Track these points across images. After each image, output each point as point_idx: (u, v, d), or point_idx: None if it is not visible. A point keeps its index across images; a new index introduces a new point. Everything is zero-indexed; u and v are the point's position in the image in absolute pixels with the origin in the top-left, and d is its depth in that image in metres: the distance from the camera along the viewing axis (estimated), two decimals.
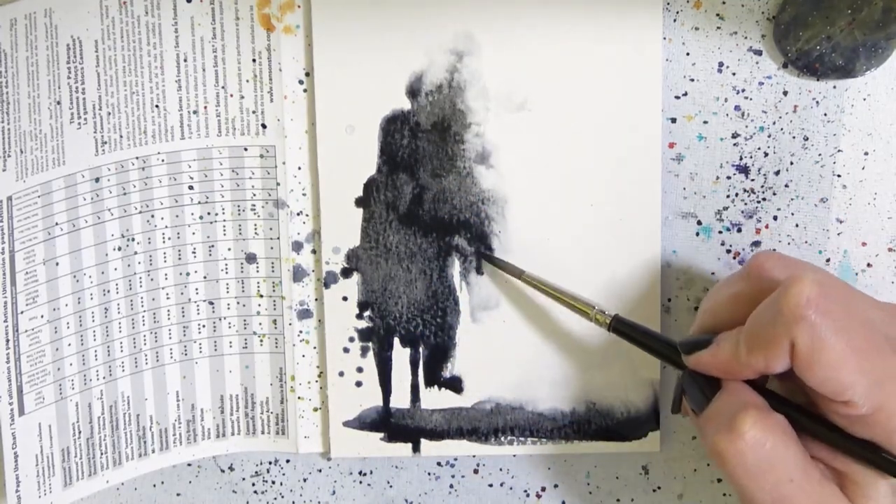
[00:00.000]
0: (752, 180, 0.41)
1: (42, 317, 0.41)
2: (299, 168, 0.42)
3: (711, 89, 0.40)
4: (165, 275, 0.42)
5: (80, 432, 0.42)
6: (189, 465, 0.44)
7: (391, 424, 0.43)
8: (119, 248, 0.42)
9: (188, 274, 0.42)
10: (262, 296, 0.43)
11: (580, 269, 0.41)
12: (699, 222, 0.41)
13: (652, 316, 0.41)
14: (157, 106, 0.41)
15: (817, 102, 0.40)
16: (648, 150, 0.40)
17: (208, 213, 0.42)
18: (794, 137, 0.40)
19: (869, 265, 0.41)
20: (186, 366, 0.43)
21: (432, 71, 0.41)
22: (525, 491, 0.44)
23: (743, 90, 0.40)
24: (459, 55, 0.40)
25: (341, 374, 0.42)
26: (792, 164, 0.41)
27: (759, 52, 0.40)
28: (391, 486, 0.44)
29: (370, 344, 0.42)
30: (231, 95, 0.41)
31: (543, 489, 0.44)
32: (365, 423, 0.43)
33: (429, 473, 0.44)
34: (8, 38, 0.39)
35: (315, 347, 0.43)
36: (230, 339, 0.43)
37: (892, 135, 0.40)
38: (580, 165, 0.41)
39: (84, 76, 0.40)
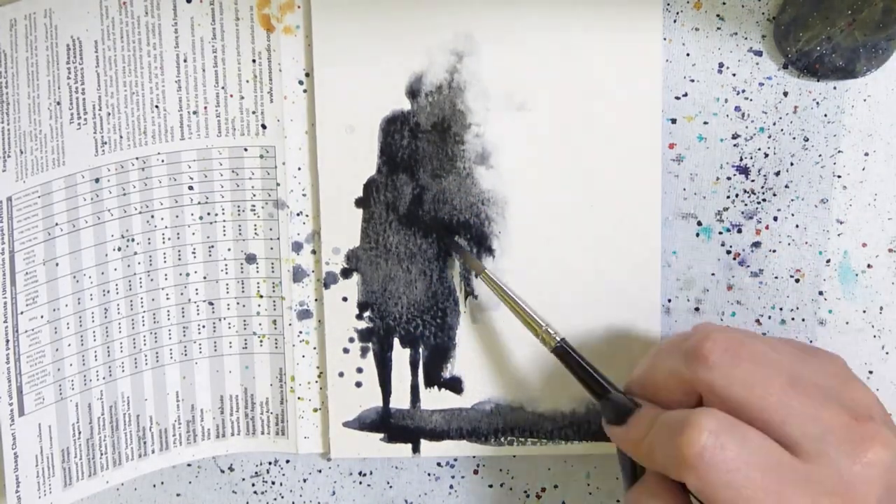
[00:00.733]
0: (753, 181, 0.41)
1: (42, 317, 0.41)
2: (299, 168, 0.42)
3: (712, 90, 0.40)
4: (165, 275, 0.42)
5: (79, 433, 0.42)
6: (189, 465, 0.44)
7: (391, 425, 0.43)
8: (119, 249, 0.42)
9: (188, 274, 0.42)
10: (261, 296, 0.43)
11: (580, 269, 0.41)
12: (699, 223, 0.41)
13: (652, 316, 0.41)
14: (157, 106, 0.41)
15: (817, 103, 0.40)
16: (648, 150, 0.40)
17: (208, 214, 0.42)
18: (794, 138, 0.40)
19: (869, 266, 0.41)
20: (186, 366, 0.43)
21: (432, 71, 0.40)
22: (525, 491, 0.44)
23: (743, 91, 0.40)
24: (459, 55, 0.40)
25: (341, 374, 0.42)
26: (792, 164, 0.41)
27: (759, 53, 0.40)
28: (391, 487, 0.44)
29: (370, 344, 0.42)
30: (231, 96, 0.41)
31: (543, 489, 0.44)
32: (365, 423, 0.43)
33: (429, 474, 0.44)
34: (8, 39, 0.39)
35: (315, 348, 0.43)
36: (230, 340, 0.43)
37: (893, 135, 0.40)
38: (580, 166, 0.41)
39: (84, 76, 0.40)
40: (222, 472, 0.44)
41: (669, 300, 0.42)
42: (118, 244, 0.42)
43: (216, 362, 0.43)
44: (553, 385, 0.42)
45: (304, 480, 0.44)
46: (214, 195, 0.42)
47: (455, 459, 0.44)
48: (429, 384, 0.42)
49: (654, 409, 0.35)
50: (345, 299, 0.42)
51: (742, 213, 0.41)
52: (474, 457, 0.43)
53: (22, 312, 0.40)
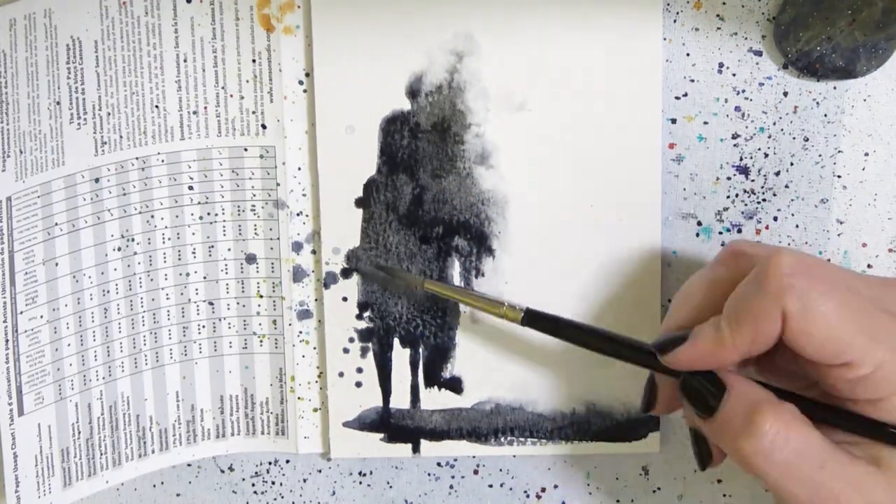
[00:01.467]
0: (753, 181, 0.41)
1: (41, 317, 0.41)
2: (299, 168, 0.42)
3: (711, 90, 0.40)
4: (165, 275, 0.42)
5: (79, 433, 0.42)
6: (189, 465, 0.44)
7: (391, 425, 0.43)
8: (119, 249, 0.42)
9: (188, 274, 0.42)
10: (261, 296, 0.43)
11: (580, 269, 0.41)
12: (699, 223, 0.41)
13: (652, 316, 0.41)
14: (157, 106, 0.41)
15: (817, 103, 0.40)
16: (648, 150, 0.40)
17: (208, 214, 0.42)
18: (794, 138, 0.40)
19: (869, 266, 0.41)
20: (186, 366, 0.43)
21: (432, 71, 0.40)
22: (525, 491, 0.44)
23: (743, 91, 0.40)
24: (459, 55, 0.40)
25: (341, 374, 0.42)
26: (792, 164, 0.41)
27: (759, 53, 0.40)
28: (391, 487, 0.44)
29: (370, 344, 0.42)
30: (231, 96, 0.41)
31: (543, 489, 0.44)
32: (365, 423, 0.43)
33: (429, 474, 0.44)
34: (7, 39, 0.39)
35: (315, 348, 0.43)
36: (230, 340, 0.43)
37: (893, 136, 0.40)
38: (580, 166, 0.41)
39: (84, 76, 0.40)
40: (222, 472, 0.44)
41: (669, 300, 0.42)
42: (118, 244, 0.42)
43: (216, 362, 0.43)
44: (553, 385, 0.42)
45: (304, 480, 0.44)
46: (214, 195, 0.42)
47: (455, 459, 0.44)
48: (429, 384, 0.42)
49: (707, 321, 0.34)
50: (345, 299, 0.42)
51: (742, 213, 0.41)
52: (474, 457, 0.43)
53: (21, 312, 0.40)
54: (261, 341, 0.43)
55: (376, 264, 0.41)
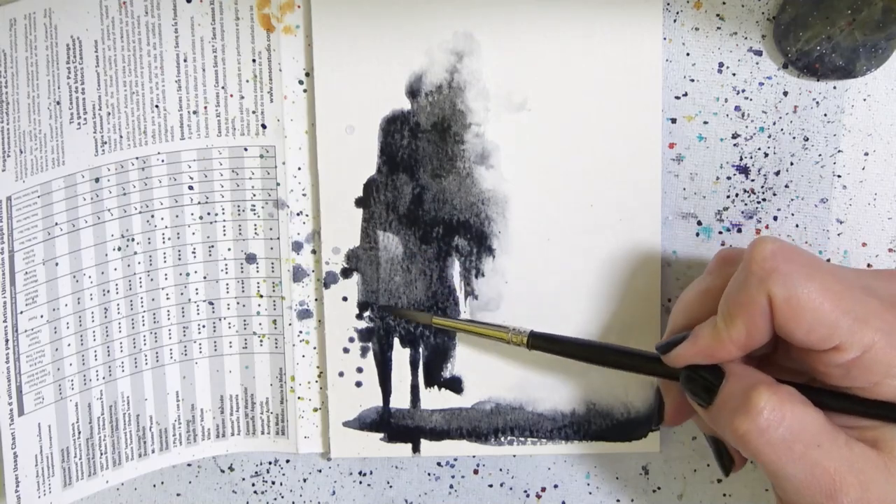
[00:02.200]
0: (753, 181, 0.41)
1: (41, 317, 0.41)
2: (299, 168, 0.42)
3: (711, 90, 0.40)
4: (165, 275, 0.42)
5: (79, 432, 0.42)
6: (189, 465, 0.44)
7: (391, 425, 0.43)
8: (119, 249, 0.42)
9: (188, 274, 0.42)
10: (262, 296, 0.43)
11: (580, 269, 0.41)
12: (699, 222, 0.41)
13: (652, 316, 0.41)
14: (157, 106, 0.41)
15: (817, 103, 0.40)
16: (648, 150, 0.40)
17: (208, 214, 0.42)
18: (794, 138, 0.40)
19: (869, 266, 0.41)
20: (186, 366, 0.43)
21: (432, 71, 0.40)
22: (525, 491, 0.44)
23: (743, 90, 0.40)
24: (459, 55, 0.40)
25: (341, 374, 0.42)
26: (792, 164, 0.41)
27: (759, 53, 0.40)
28: (391, 487, 0.44)
29: (370, 344, 0.42)
30: (231, 95, 0.41)
31: (543, 489, 0.44)
32: (365, 423, 0.43)
33: (429, 474, 0.44)
34: (7, 38, 0.39)
35: (315, 347, 0.43)
36: (230, 340, 0.43)
37: (893, 135, 0.40)
38: (580, 165, 0.41)
39: (84, 76, 0.40)
40: (222, 472, 0.44)
41: (669, 300, 0.42)
42: (118, 244, 0.42)
43: (216, 362, 0.43)
44: (553, 385, 0.42)
45: (304, 480, 0.44)
46: (214, 195, 0.42)
47: (455, 459, 0.44)
48: (429, 384, 0.42)
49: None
50: (345, 299, 0.42)
51: (742, 212, 0.41)
52: (474, 457, 0.43)
53: (21, 312, 0.40)
54: (261, 341, 0.43)
55: (385, 308, 0.42)
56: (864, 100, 0.40)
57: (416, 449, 0.43)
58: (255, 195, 0.42)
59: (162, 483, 0.44)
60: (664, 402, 0.38)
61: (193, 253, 0.42)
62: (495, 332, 0.40)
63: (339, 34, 0.40)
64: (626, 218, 0.41)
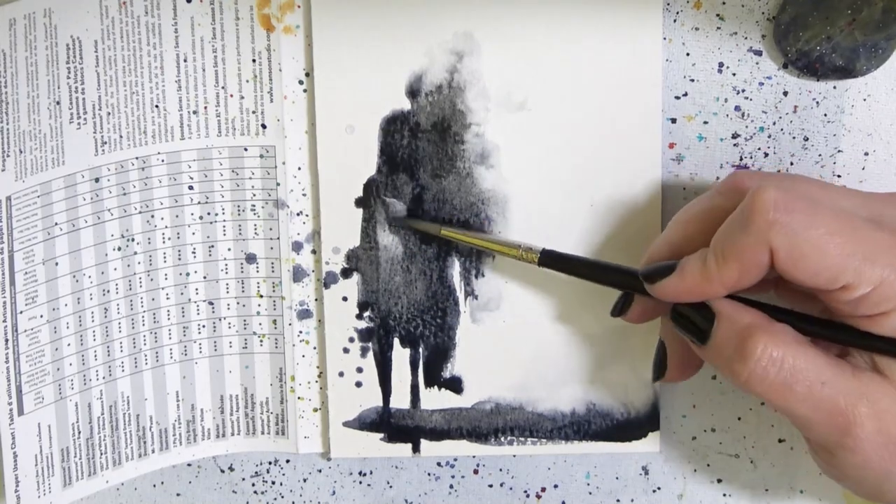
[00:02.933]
0: None
1: (41, 317, 0.41)
2: (299, 168, 0.42)
3: (711, 90, 0.40)
4: (165, 275, 0.42)
5: (79, 432, 0.42)
6: (189, 465, 0.44)
7: (391, 425, 0.43)
8: (119, 249, 0.42)
9: (188, 274, 0.42)
10: (262, 296, 0.43)
11: None
12: None
13: None
14: (157, 106, 0.41)
15: (817, 103, 0.40)
16: (648, 150, 0.40)
17: (208, 214, 0.42)
18: (794, 138, 0.40)
19: None
20: (186, 366, 0.43)
21: (432, 71, 0.40)
22: (525, 491, 0.44)
23: (743, 90, 0.40)
24: (459, 55, 0.40)
25: (341, 374, 0.42)
26: (792, 164, 0.41)
27: (759, 53, 0.40)
28: (391, 487, 0.44)
29: (370, 344, 0.42)
30: (231, 95, 0.41)
31: (543, 489, 0.44)
32: (365, 423, 0.43)
33: (429, 474, 0.44)
34: (7, 38, 0.39)
35: (315, 347, 0.43)
36: (230, 340, 0.43)
37: (893, 135, 0.40)
38: (580, 165, 0.41)
39: (84, 76, 0.40)
40: (222, 472, 0.44)
41: None
42: (118, 244, 0.42)
43: (216, 362, 0.43)
44: (553, 385, 0.42)
45: (304, 480, 0.44)
46: (214, 195, 0.42)
47: (455, 459, 0.44)
48: (429, 384, 0.42)
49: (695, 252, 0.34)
50: (345, 299, 0.42)
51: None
52: (474, 457, 0.43)
53: (21, 312, 0.40)
54: (261, 341, 0.43)
55: (397, 220, 0.41)
56: (864, 100, 0.40)
57: (416, 449, 0.43)
58: (255, 195, 0.42)
59: (162, 483, 0.44)
60: (667, 354, 0.37)
61: (193, 253, 0.42)
62: (506, 249, 0.39)
63: (339, 34, 0.40)
64: (626, 218, 0.41)
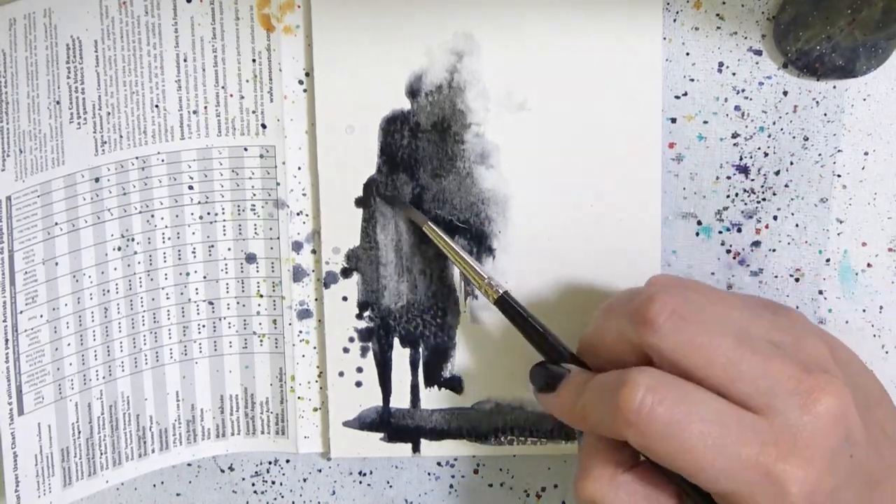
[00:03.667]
0: (752, 180, 0.41)
1: (41, 316, 0.41)
2: (299, 168, 0.42)
3: (711, 89, 0.40)
4: (165, 275, 0.42)
5: (79, 432, 0.42)
6: (189, 465, 0.44)
7: (391, 424, 0.43)
8: (119, 248, 0.42)
9: (188, 274, 0.42)
10: (262, 296, 0.43)
11: (580, 269, 0.41)
12: (699, 222, 0.41)
13: None
14: (157, 106, 0.41)
15: (817, 102, 0.40)
16: (648, 150, 0.40)
17: (208, 213, 0.42)
18: (794, 137, 0.40)
19: (869, 265, 0.41)
20: (186, 366, 0.43)
21: (432, 71, 0.40)
22: (525, 491, 0.44)
23: (743, 90, 0.40)
24: (459, 55, 0.40)
25: (341, 374, 0.42)
26: (792, 164, 0.41)
27: (759, 53, 0.40)
28: (391, 487, 0.44)
29: (370, 344, 0.42)
30: (231, 95, 0.41)
31: (543, 489, 0.44)
32: (365, 423, 0.43)
33: (429, 473, 0.44)
34: (7, 38, 0.39)
35: (315, 347, 0.43)
36: (230, 339, 0.43)
37: (893, 135, 0.40)
38: (580, 165, 0.41)
39: (84, 76, 0.40)
40: (222, 471, 0.44)
41: None
42: (118, 244, 0.42)
43: (216, 362, 0.43)
44: None
45: (304, 480, 0.44)
46: (214, 195, 0.42)
47: (455, 459, 0.43)
48: (429, 384, 0.42)
49: (586, 374, 0.35)
50: (345, 299, 0.42)
51: (742, 212, 0.41)
52: (474, 456, 0.43)
53: (21, 312, 0.40)
54: (261, 341, 0.43)
55: (388, 197, 0.41)
56: (864, 100, 0.40)
57: (416, 449, 0.43)
58: (255, 195, 0.42)
59: (162, 483, 0.44)
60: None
61: (193, 253, 0.42)
62: (473, 274, 0.39)
63: (339, 34, 0.40)
64: (626, 218, 0.41)
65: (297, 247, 0.42)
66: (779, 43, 0.39)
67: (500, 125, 0.41)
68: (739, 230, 0.41)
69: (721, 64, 0.40)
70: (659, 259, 0.41)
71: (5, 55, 0.39)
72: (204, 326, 0.43)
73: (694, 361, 0.31)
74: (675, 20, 0.40)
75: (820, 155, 0.41)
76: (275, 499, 0.44)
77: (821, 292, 0.41)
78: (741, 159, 0.41)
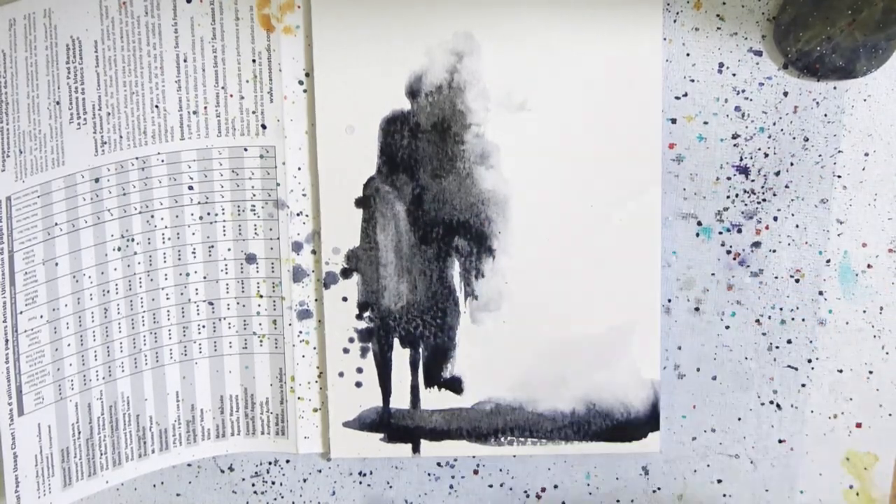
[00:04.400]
0: (753, 181, 0.41)
1: (41, 317, 0.40)
2: (299, 168, 0.42)
3: (711, 90, 0.40)
4: (165, 275, 0.42)
5: (79, 433, 0.42)
6: (189, 465, 0.44)
7: (391, 425, 0.43)
8: (119, 249, 0.42)
9: (188, 274, 0.42)
10: (261, 296, 0.43)
11: (580, 270, 0.41)
12: (699, 223, 0.41)
13: (652, 316, 0.41)
14: (157, 106, 0.41)
15: (817, 103, 0.40)
16: (648, 150, 0.40)
17: (208, 214, 0.42)
18: (794, 138, 0.40)
19: (869, 266, 0.41)
20: (186, 366, 0.43)
21: (432, 71, 0.40)
22: (525, 491, 0.44)
23: (743, 91, 0.40)
24: (459, 55, 0.40)
25: (341, 374, 0.42)
26: (792, 164, 0.41)
27: (759, 53, 0.40)
28: (391, 487, 0.44)
29: (370, 344, 0.42)
30: (231, 96, 0.41)
31: (543, 489, 0.44)
32: (365, 423, 0.43)
33: (429, 474, 0.44)
34: (7, 39, 0.39)
35: (315, 348, 0.43)
36: (230, 340, 0.43)
37: (893, 136, 0.40)
38: (580, 165, 0.41)
39: (84, 76, 0.40)
40: (222, 472, 0.44)
41: (669, 300, 0.42)
42: (118, 244, 0.42)
43: (216, 362, 0.43)
44: (553, 385, 0.42)
45: (304, 480, 0.44)
46: (214, 195, 0.42)
47: (455, 459, 0.44)
48: (429, 384, 0.42)
49: None
50: (345, 299, 0.42)
51: (742, 213, 0.41)
52: (474, 457, 0.43)
53: (21, 312, 0.40)
54: (261, 341, 0.43)
55: None
56: (864, 100, 0.40)
57: (416, 449, 0.43)
58: (255, 195, 0.42)
59: (162, 483, 0.44)
60: None
61: (193, 253, 0.42)
62: None
63: (339, 34, 0.40)
64: (626, 218, 0.41)
65: (297, 247, 0.42)
66: (779, 43, 0.39)
67: (500, 125, 0.41)
68: (739, 231, 0.41)
69: (721, 64, 0.40)
70: (659, 259, 0.41)
71: (5, 55, 0.39)
72: (204, 327, 0.43)
73: None
74: (675, 21, 0.40)
75: (820, 156, 0.41)
76: (275, 499, 0.44)
77: (821, 293, 0.41)
78: (741, 160, 0.41)
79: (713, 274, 0.42)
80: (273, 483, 0.44)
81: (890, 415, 0.42)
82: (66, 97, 0.40)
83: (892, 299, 0.41)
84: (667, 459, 0.43)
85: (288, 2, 0.40)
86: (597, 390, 0.42)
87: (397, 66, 0.40)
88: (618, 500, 0.43)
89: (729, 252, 0.41)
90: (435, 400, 0.42)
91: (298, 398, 0.43)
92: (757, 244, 0.41)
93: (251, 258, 0.42)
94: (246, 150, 0.42)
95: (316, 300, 0.43)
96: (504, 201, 0.41)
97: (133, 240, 0.42)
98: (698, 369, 0.42)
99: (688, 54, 0.40)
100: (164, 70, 0.41)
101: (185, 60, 0.41)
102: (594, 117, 0.40)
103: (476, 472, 0.44)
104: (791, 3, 0.39)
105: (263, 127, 0.41)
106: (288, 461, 0.44)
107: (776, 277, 0.41)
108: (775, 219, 0.41)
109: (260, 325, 0.43)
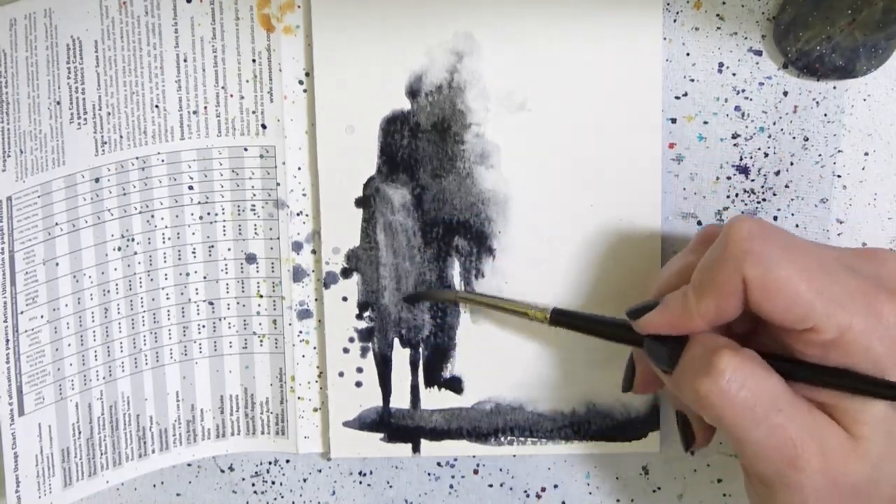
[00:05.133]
0: (753, 181, 0.41)
1: (42, 317, 0.41)
2: (299, 168, 0.42)
3: (711, 90, 0.40)
4: (165, 275, 0.42)
5: (79, 432, 0.42)
6: (189, 465, 0.44)
7: (391, 425, 0.43)
8: (119, 249, 0.42)
9: (188, 274, 0.42)
10: (261, 296, 0.43)
11: (580, 270, 0.41)
12: (699, 223, 0.41)
13: None
14: (157, 106, 0.41)
15: (817, 103, 0.40)
16: (648, 150, 0.40)
17: (208, 214, 0.42)
18: (794, 138, 0.40)
19: None
20: (186, 366, 0.43)
21: (432, 71, 0.40)
22: (525, 491, 0.44)
23: (743, 90, 0.40)
24: (459, 55, 0.40)
25: (341, 374, 0.42)
26: (792, 164, 0.41)
27: (759, 53, 0.40)
28: (391, 487, 0.44)
29: (370, 344, 0.42)
30: (231, 95, 0.41)
31: (543, 489, 0.44)
32: (365, 423, 0.43)
33: (429, 474, 0.44)
34: (8, 39, 0.39)
35: (315, 347, 0.43)
36: (230, 340, 0.43)
37: (893, 135, 0.40)
38: (580, 165, 0.41)
39: (84, 76, 0.40)
40: (222, 472, 0.44)
41: None
42: (118, 244, 0.42)
43: (216, 362, 0.43)
44: (553, 385, 0.42)
45: (304, 480, 0.44)
46: (214, 195, 0.42)
47: (455, 459, 0.44)
48: (429, 384, 0.42)
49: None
50: (345, 299, 0.42)
51: (742, 212, 0.41)
52: (474, 457, 0.43)
53: (22, 312, 0.40)
54: (261, 341, 0.43)
55: (412, 297, 0.42)
56: (864, 100, 0.40)
57: (416, 449, 0.43)
58: (255, 195, 0.42)
59: (162, 483, 0.44)
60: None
61: (193, 253, 0.42)
62: (518, 308, 0.40)
63: (339, 34, 0.40)
64: (626, 218, 0.41)
65: (297, 247, 0.42)
66: (779, 43, 0.39)
67: (500, 125, 0.41)
68: None
69: (721, 64, 0.40)
70: (659, 259, 0.41)
71: (6, 55, 0.39)
72: (204, 327, 0.43)
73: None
74: (675, 20, 0.40)
75: (820, 155, 0.41)
76: (275, 499, 0.44)
77: None
78: (741, 159, 0.41)
79: None
80: (273, 483, 0.44)
81: None
82: (67, 97, 0.40)
83: None
84: (667, 459, 0.43)
85: (288, 2, 0.40)
86: (597, 390, 0.42)
87: (397, 66, 0.40)
88: (618, 500, 0.43)
89: None
90: (435, 400, 0.43)
91: (298, 398, 0.43)
92: None
93: (251, 258, 0.42)
94: (246, 149, 0.42)
95: (316, 300, 0.43)
96: (504, 201, 0.41)
97: (133, 240, 0.42)
98: None
99: (688, 54, 0.40)
100: (164, 70, 0.41)
101: (185, 60, 0.41)
102: (594, 117, 0.40)
103: (476, 471, 0.44)
104: (791, 2, 0.39)
105: (263, 127, 0.41)
106: (288, 461, 0.44)
107: None
108: (775, 218, 0.41)
109: (260, 324, 0.43)
